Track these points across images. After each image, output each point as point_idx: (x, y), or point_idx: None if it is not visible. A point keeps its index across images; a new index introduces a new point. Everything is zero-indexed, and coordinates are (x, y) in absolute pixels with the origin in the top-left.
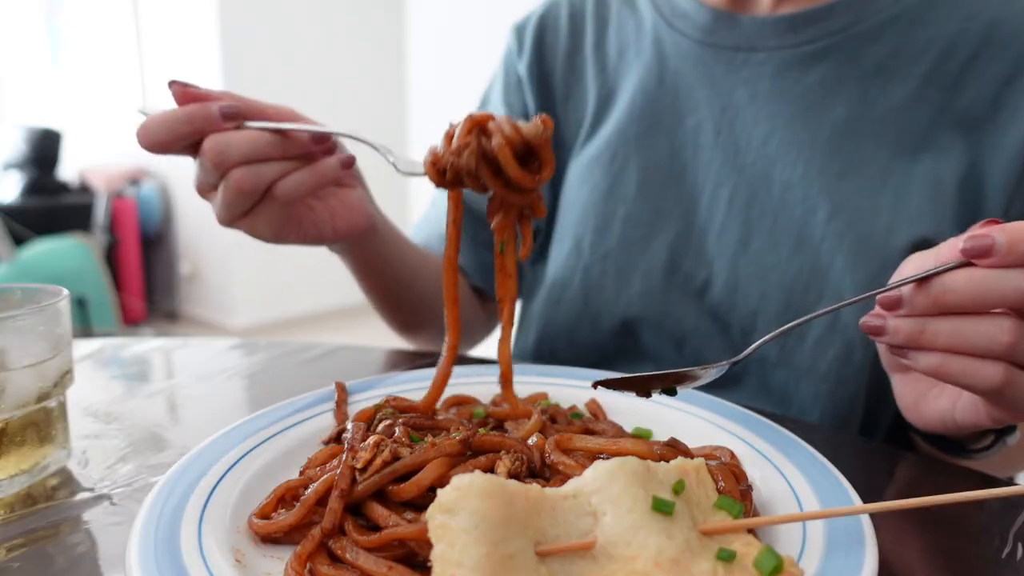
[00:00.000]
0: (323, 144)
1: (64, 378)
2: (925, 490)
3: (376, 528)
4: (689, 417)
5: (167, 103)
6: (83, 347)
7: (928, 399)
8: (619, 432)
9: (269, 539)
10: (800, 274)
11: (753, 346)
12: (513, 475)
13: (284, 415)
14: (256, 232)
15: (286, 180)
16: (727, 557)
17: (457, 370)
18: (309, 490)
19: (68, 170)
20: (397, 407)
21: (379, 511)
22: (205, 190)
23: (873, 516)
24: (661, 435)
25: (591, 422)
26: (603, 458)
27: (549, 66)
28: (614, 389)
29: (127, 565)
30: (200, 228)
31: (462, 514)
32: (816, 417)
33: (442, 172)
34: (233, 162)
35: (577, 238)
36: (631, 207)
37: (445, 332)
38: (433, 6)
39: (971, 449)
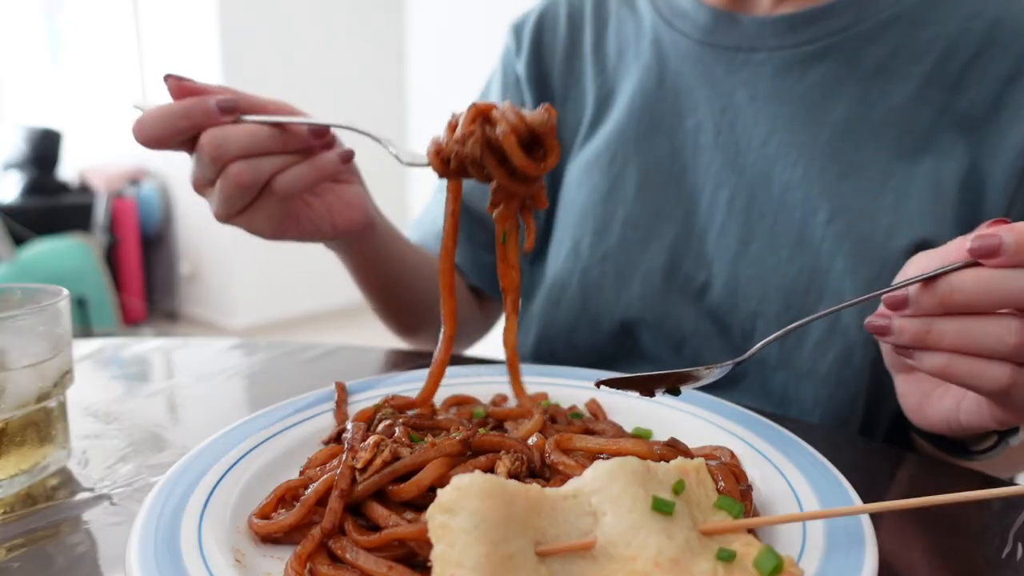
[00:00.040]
0: (322, 138)
1: (64, 378)
2: (925, 490)
3: (376, 528)
4: (689, 417)
5: (164, 100)
6: (83, 347)
7: (932, 400)
8: (619, 432)
9: (269, 539)
10: (800, 276)
11: (758, 345)
12: (513, 475)
13: (284, 415)
14: (254, 228)
15: (285, 174)
16: (727, 557)
17: (457, 370)
18: (309, 490)
19: (68, 170)
20: (396, 405)
21: (379, 511)
22: (202, 186)
23: (873, 516)
24: (661, 435)
25: (591, 422)
26: (603, 458)
27: (547, 66)
28: (617, 389)
29: (127, 565)
30: (200, 228)
31: (462, 514)
32: (816, 419)
33: (446, 161)
34: (232, 156)
35: (576, 240)
36: (630, 209)
37: (441, 323)
38: (433, 6)
39: (973, 450)
